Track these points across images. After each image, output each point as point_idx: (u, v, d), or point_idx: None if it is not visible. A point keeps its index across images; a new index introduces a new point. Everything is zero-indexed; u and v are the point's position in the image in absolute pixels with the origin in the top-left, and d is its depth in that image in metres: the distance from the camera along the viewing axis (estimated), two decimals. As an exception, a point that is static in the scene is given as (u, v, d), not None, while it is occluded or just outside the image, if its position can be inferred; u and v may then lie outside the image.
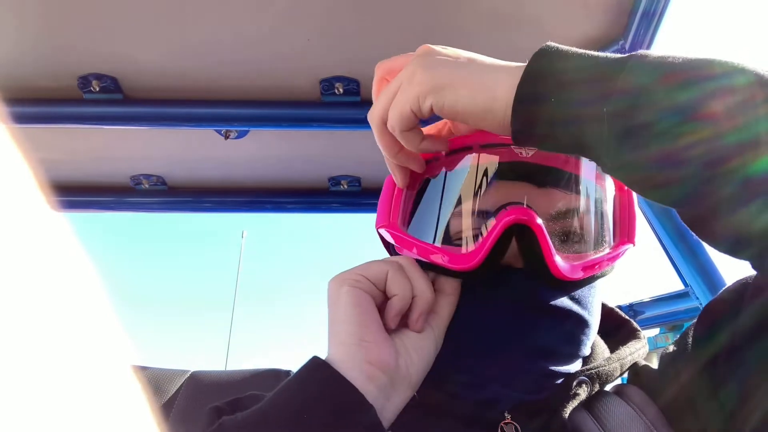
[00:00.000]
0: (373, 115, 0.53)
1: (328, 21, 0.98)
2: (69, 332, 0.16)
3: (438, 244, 0.55)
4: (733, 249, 0.42)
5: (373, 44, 1.04)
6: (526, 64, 0.46)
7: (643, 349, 0.59)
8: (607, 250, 0.56)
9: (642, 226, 0.71)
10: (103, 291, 0.18)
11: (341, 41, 1.03)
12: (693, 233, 0.45)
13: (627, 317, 0.64)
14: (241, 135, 1.25)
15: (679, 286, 1.27)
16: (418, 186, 0.59)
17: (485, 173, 0.54)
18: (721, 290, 0.53)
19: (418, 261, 0.54)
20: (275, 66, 1.09)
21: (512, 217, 0.50)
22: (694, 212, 0.43)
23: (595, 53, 0.44)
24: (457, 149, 0.56)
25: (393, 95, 0.51)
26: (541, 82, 0.44)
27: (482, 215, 0.54)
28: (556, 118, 0.44)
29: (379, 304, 0.52)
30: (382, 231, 0.58)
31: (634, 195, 0.59)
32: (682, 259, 1.19)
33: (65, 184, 1.44)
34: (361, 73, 1.11)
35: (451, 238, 0.55)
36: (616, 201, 0.58)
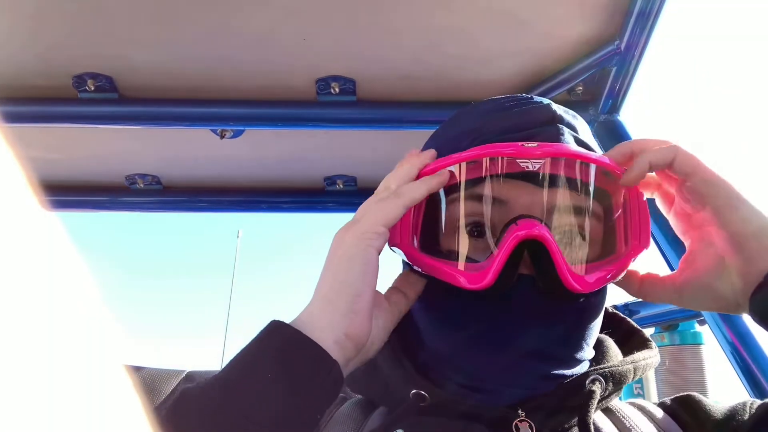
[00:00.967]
0: None
1: (324, 20, 0.98)
2: (63, 333, 0.16)
3: (451, 260, 0.54)
4: None
5: (369, 44, 1.03)
6: None
7: (654, 358, 0.59)
8: (618, 257, 0.55)
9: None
10: (96, 291, 0.18)
11: (337, 40, 1.03)
12: None
13: (637, 326, 0.64)
14: (236, 134, 1.25)
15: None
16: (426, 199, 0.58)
17: (492, 185, 0.53)
18: None
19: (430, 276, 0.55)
20: (271, 65, 1.09)
21: (523, 233, 0.49)
22: None
23: None
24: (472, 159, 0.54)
25: None
26: None
27: (493, 230, 0.53)
28: None
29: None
30: (395, 249, 0.57)
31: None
32: (678, 261, 1.19)
33: (60, 184, 1.43)
34: (357, 72, 1.11)
35: (461, 255, 0.54)
36: (627, 207, 0.57)
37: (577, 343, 0.54)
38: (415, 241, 0.56)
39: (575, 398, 0.52)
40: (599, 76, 1.13)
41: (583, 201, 0.54)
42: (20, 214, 0.16)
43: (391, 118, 1.19)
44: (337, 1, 0.94)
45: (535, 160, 0.51)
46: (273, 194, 1.50)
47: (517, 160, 0.51)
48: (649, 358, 0.58)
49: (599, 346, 0.59)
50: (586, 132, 0.58)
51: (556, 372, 0.53)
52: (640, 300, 0.74)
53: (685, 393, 0.62)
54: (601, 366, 0.54)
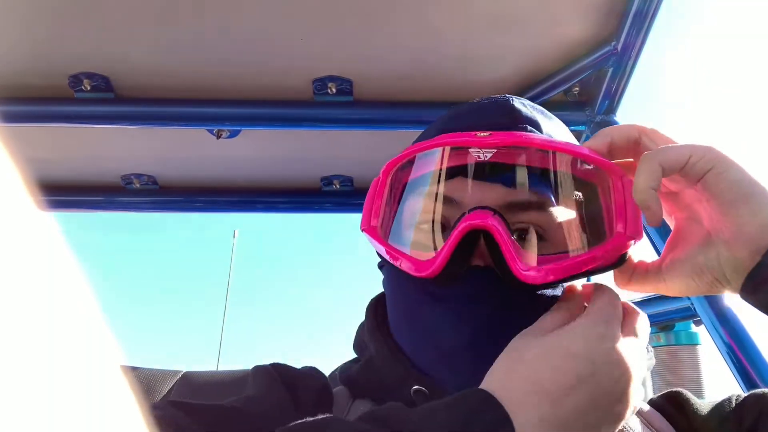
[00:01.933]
0: None
1: (321, 20, 0.98)
2: (58, 334, 0.16)
3: (407, 248, 0.55)
4: None
5: (366, 44, 1.04)
6: None
7: (650, 362, 0.59)
8: (585, 250, 0.52)
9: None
10: (91, 291, 0.18)
11: (334, 40, 1.03)
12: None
13: None
14: (233, 134, 1.24)
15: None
16: (400, 188, 0.59)
17: (452, 176, 0.54)
18: None
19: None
20: (268, 65, 1.09)
21: (468, 223, 0.49)
22: None
23: None
24: (424, 150, 0.55)
25: None
26: None
27: (447, 220, 0.54)
28: None
29: None
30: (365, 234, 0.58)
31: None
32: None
33: (56, 184, 1.43)
34: (354, 72, 1.11)
35: (419, 244, 0.55)
36: (607, 196, 0.53)
37: None
38: (381, 230, 0.57)
39: None
40: (596, 77, 1.13)
41: (541, 190, 0.53)
42: (15, 214, 0.16)
43: (388, 118, 1.19)
44: (334, 2, 0.94)
45: (487, 150, 0.52)
46: (269, 194, 1.50)
47: (470, 150, 0.52)
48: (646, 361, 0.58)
49: None
50: (555, 127, 0.58)
51: None
52: (636, 300, 0.74)
53: (674, 390, 0.62)
54: None
